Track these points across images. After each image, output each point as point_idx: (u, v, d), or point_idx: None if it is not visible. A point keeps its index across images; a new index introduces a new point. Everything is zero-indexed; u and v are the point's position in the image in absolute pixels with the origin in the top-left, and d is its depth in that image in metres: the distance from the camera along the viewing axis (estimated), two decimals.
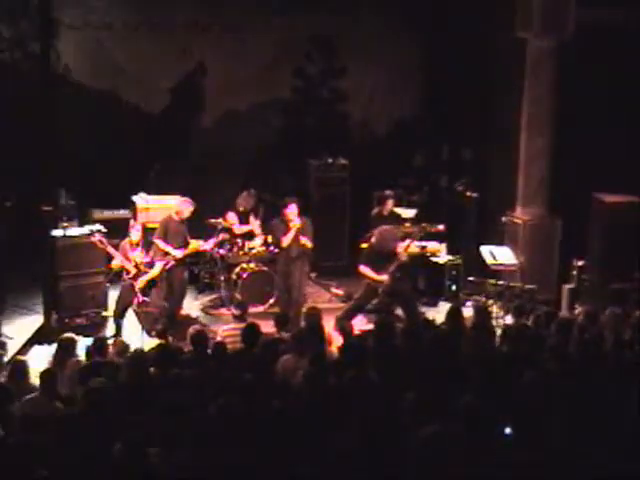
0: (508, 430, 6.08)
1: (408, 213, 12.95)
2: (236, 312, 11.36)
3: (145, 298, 10.25)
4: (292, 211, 10.58)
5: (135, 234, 10.24)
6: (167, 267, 10.63)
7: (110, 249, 10.31)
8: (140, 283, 10.17)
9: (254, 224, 11.99)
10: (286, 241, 10.56)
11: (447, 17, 13.53)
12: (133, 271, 10.16)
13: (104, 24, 13.06)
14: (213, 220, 11.81)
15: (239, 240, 11.79)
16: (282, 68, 13.94)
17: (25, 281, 11.60)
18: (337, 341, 8.52)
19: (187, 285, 11.29)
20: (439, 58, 14.00)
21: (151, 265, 10.28)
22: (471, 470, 5.65)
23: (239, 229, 11.85)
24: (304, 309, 9.55)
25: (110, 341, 8.71)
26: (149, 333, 9.84)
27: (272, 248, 11.66)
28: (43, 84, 11.07)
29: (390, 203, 11.84)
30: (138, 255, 10.23)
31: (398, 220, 11.67)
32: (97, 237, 10.42)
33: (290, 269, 10.67)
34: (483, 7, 12.89)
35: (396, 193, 13.28)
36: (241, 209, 11.89)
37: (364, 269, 10.60)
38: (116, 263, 10.23)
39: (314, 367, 7.07)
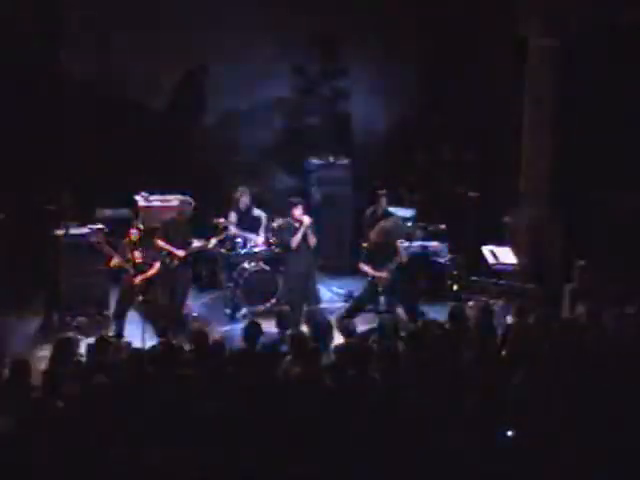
0: (509, 433, 6.07)
1: (409, 212, 12.96)
2: (233, 312, 11.40)
3: (146, 298, 10.25)
4: (299, 211, 10.63)
5: (135, 234, 10.23)
6: (170, 267, 10.63)
7: (107, 249, 10.29)
8: (140, 282, 10.16)
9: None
10: (295, 242, 10.57)
11: (448, 16, 13.52)
12: (132, 271, 10.15)
13: (107, 23, 13.05)
14: (215, 220, 11.81)
15: (240, 240, 11.76)
16: (282, 67, 13.93)
17: (26, 280, 11.59)
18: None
19: (190, 284, 11.28)
20: (440, 57, 14.00)
21: (151, 265, 10.27)
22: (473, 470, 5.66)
23: (238, 230, 11.79)
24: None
25: (111, 341, 8.67)
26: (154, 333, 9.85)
27: (274, 248, 11.67)
28: (45, 82, 11.09)
29: (383, 202, 11.82)
30: (138, 255, 10.21)
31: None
32: (95, 238, 10.41)
33: (303, 270, 10.67)
34: (483, 7, 12.89)
35: (397, 192, 13.32)
36: (242, 207, 11.86)
37: (364, 266, 10.63)
38: (115, 263, 10.21)
39: (309, 366, 7.07)
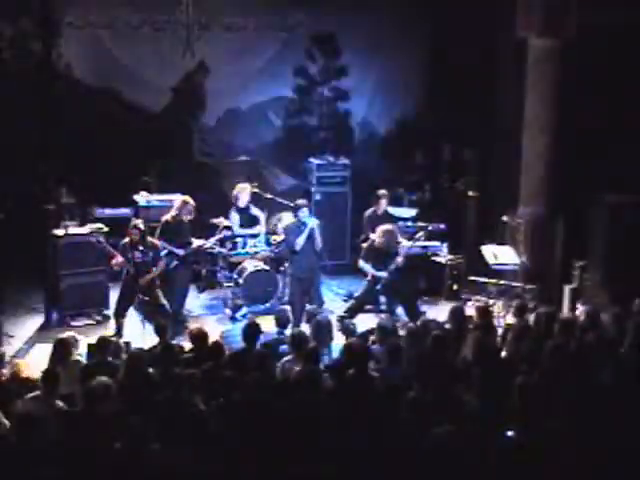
0: (510, 433, 6.07)
1: (409, 212, 12.96)
2: (233, 312, 11.41)
3: (146, 297, 10.26)
4: (304, 213, 10.64)
5: (135, 234, 10.22)
6: (169, 266, 10.64)
7: (108, 249, 10.30)
8: (141, 282, 10.16)
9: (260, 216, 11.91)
10: (299, 243, 10.56)
11: (448, 16, 13.51)
12: (132, 271, 10.15)
13: (105, 23, 13.05)
14: (215, 220, 11.82)
15: (240, 240, 11.76)
16: (283, 67, 13.93)
17: (26, 280, 11.60)
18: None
19: (189, 284, 11.28)
20: (440, 57, 13.99)
21: (151, 264, 10.27)
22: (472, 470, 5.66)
23: (239, 229, 11.77)
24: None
25: (111, 340, 8.68)
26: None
27: (274, 248, 11.70)
28: (44, 83, 11.09)
29: (384, 203, 11.82)
30: (138, 255, 10.21)
31: (392, 220, 11.64)
32: (94, 238, 10.42)
33: (307, 273, 10.67)
34: (484, 7, 12.90)
35: (397, 192, 13.32)
36: (242, 205, 11.83)
37: (364, 265, 10.63)
38: (115, 263, 10.23)
39: (309, 366, 7.08)
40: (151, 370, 7.32)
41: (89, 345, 8.41)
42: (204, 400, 6.66)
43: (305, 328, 8.90)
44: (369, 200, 12.09)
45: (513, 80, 12.43)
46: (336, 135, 14.44)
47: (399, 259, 10.55)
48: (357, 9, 13.60)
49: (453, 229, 12.73)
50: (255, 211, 11.86)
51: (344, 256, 13.15)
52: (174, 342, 8.78)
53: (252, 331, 8.00)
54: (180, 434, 6.09)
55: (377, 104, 14.50)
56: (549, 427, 6.07)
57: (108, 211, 12.39)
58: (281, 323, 8.69)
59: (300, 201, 10.96)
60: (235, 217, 11.70)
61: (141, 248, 10.23)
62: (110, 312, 10.95)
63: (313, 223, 10.64)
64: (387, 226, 10.75)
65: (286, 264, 11.58)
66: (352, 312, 10.51)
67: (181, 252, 10.77)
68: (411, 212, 12.97)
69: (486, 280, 11.67)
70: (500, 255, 11.43)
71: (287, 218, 11.67)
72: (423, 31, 14.12)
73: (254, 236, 11.79)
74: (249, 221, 11.82)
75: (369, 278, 10.71)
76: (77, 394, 6.82)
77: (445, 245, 12.39)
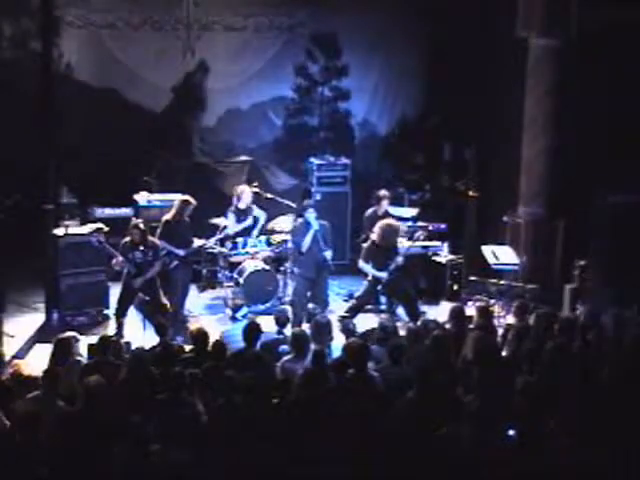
0: (511, 432, 6.08)
1: (409, 212, 12.96)
2: (233, 312, 11.41)
3: (147, 297, 10.27)
4: (311, 214, 10.63)
5: (135, 233, 10.22)
6: (170, 266, 10.64)
7: (109, 249, 10.31)
8: (141, 282, 10.17)
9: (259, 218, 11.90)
10: (305, 246, 10.56)
11: (448, 16, 13.51)
12: (133, 270, 10.16)
13: (106, 23, 13.06)
14: (215, 219, 11.80)
15: (239, 239, 11.75)
16: (283, 67, 13.93)
17: (26, 279, 11.60)
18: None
19: (190, 284, 11.28)
20: (441, 57, 13.99)
21: (152, 264, 10.27)
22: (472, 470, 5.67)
23: (235, 226, 11.74)
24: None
25: (111, 340, 8.68)
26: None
27: (274, 248, 11.71)
28: (45, 82, 11.09)
29: (385, 203, 11.81)
30: (138, 255, 10.21)
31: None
32: (95, 238, 10.43)
33: (313, 275, 10.65)
34: (484, 7, 12.90)
35: (398, 192, 13.32)
36: (242, 206, 11.82)
37: (364, 265, 10.62)
38: (116, 263, 10.23)
39: (314, 366, 7.08)
40: (151, 370, 7.31)
41: (89, 345, 8.42)
42: (205, 400, 6.66)
43: (306, 328, 8.91)
44: (369, 200, 12.09)
45: (513, 80, 12.43)
46: (336, 135, 14.44)
47: (399, 259, 10.54)
48: (358, 9, 13.60)
49: (453, 229, 12.72)
50: (256, 212, 11.83)
51: (344, 256, 13.14)
52: (174, 342, 8.79)
53: (252, 331, 8.01)
54: (180, 434, 6.10)
55: (377, 104, 14.50)
56: (549, 427, 6.07)
57: (108, 211, 12.40)
58: (281, 323, 8.69)
59: (307, 201, 11.00)
60: (232, 217, 11.69)
61: (141, 248, 10.24)
62: (110, 312, 10.96)
63: (315, 226, 10.61)
64: (386, 220, 10.74)
65: (286, 264, 11.60)
66: (352, 312, 10.50)
67: (181, 252, 10.76)
68: (411, 212, 12.97)
69: (486, 280, 11.67)
70: (500, 255, 11.43)
71: (284, 221, 11.75)
72: (423, 31, 14.12)
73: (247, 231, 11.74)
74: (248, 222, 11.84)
75: (369, 278, 10.70)
76: (77, 394, 6.81)
77: (445, 245, 12.39)
